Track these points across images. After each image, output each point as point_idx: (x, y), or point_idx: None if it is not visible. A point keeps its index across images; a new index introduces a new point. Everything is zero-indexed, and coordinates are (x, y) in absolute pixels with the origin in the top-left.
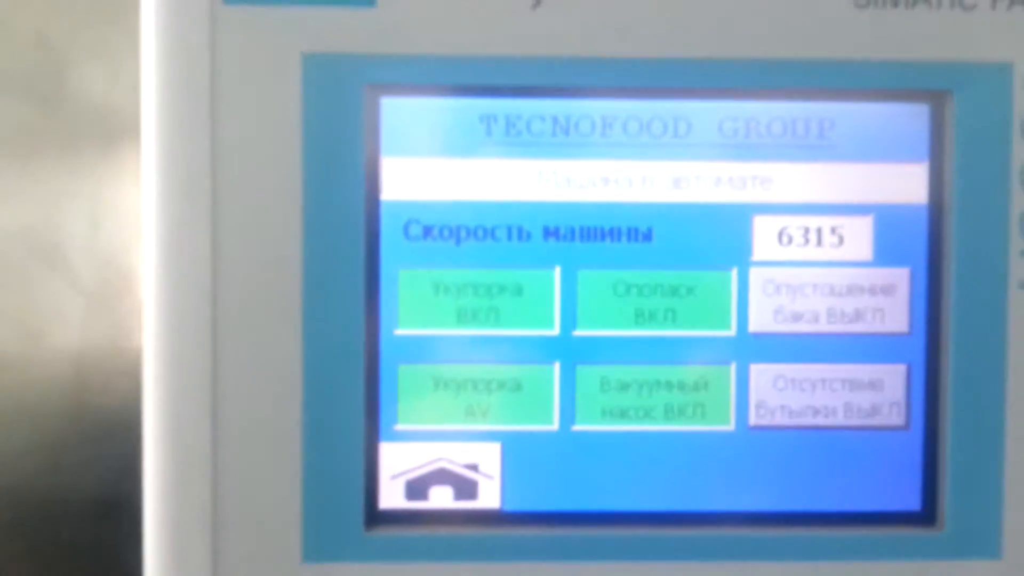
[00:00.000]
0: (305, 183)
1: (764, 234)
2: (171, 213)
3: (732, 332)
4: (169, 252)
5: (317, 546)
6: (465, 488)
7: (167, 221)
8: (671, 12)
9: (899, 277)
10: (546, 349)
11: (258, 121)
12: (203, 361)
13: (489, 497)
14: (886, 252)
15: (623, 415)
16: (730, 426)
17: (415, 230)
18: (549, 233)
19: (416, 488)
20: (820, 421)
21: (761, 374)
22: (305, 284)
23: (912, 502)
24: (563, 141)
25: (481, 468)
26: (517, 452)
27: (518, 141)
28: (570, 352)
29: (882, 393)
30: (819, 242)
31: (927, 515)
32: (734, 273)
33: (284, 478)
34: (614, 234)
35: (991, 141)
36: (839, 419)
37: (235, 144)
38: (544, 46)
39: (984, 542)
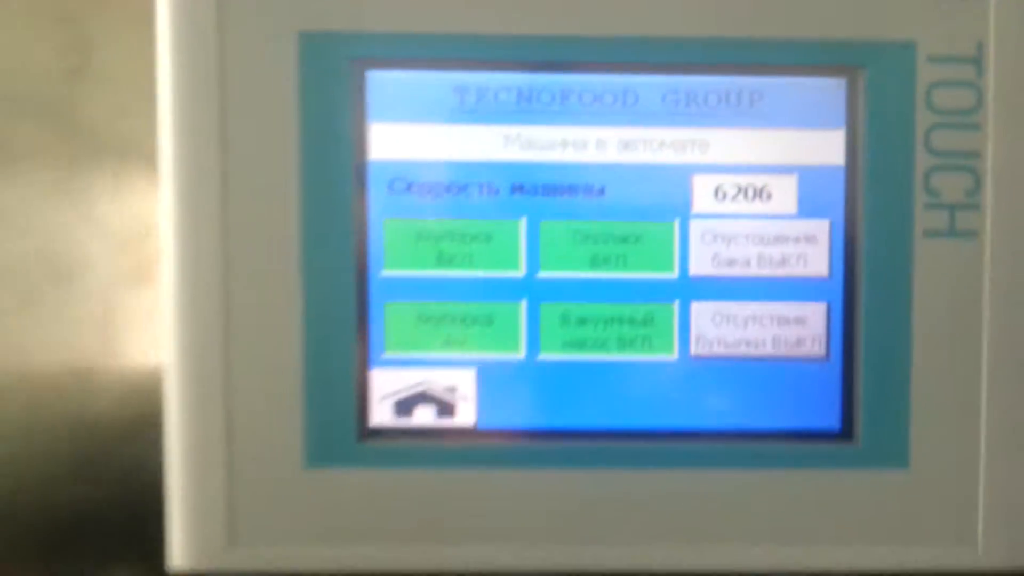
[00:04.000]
0: (302, 146)
1: (702, 191)
2: (184, 173)
3: (675, 275)
4: (184, 205)
5: (316, 455)
6: (445, 407)
7: (181, 180)
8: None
9: (820, 228)
10: (514, 289)
11: (260, 91)
12: (217, 301)
13: (466, 415)
14: (808, 206)
15: (581, 346)
16: (674, 355)
17: (399, 186)
18: (515, 189)
19: (402, 407)
20: (752, 352)
21: (700, 311)
22: (304, 233)
23: (832, 421)
24: (526, 109)
25: (459, 391)
26: (490, 377)
27: (487, 109)
28: (535, 291)
29: (806, 328)
30: (750, 197)
31: (845, 432)
32: (676, 224)
33: (288, 400)
34: (572, 190)
35: (898, 109)
36: (768, 350)
37: (240, 111)
38: (510, 25)
39: (894, 455)
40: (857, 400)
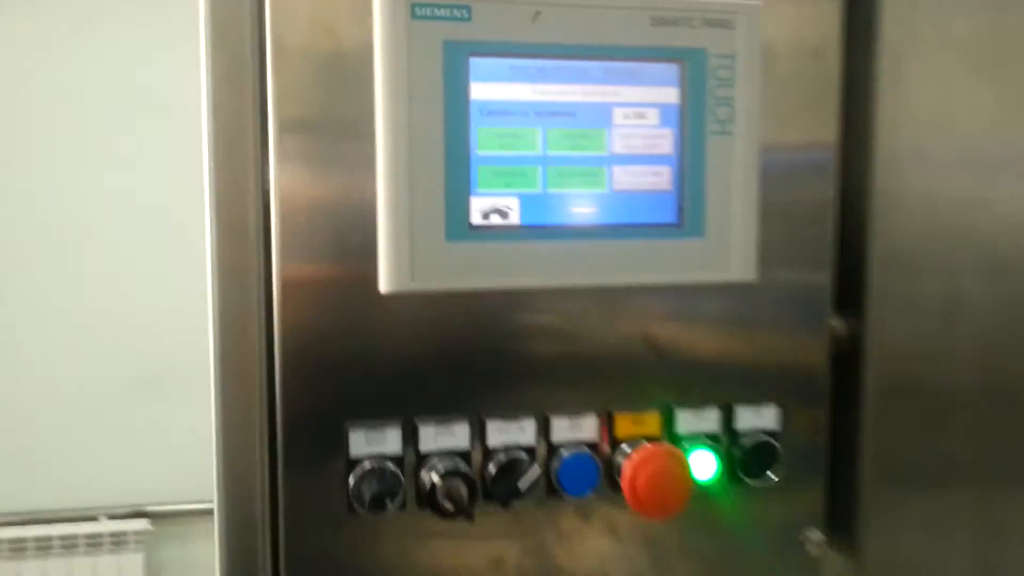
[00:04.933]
0: (444, 93)
1: (618, 115)
2: (390, 104)
3: (606, 153)
4: (392, 118)
5: (450, 234)
6: (504, 215)
7: (388, 105)
8: (582, 26)
9: (667, 132)
10: (535, 160)
11: (425, 69)
12: (405, 168)
13: (514, 219)
14: (665, 122)
15: (566, 185)
16: (605, 190)
17: (484, 112)
18: (537, 113)
19: (485, 215)
20: (639, 187)
21: (618, 171)
22: (446, 135)
23: (673, 218)
24: (542, 77)
25: (511, 207)
26: (525, 201)
27: (524, 76)
28: (545, 161)
29: (662, 177)
30: (638, 118)
31: (679, 223)
32: (606, 130)
33: (438, 210)
34: (562, 114)
35: (700, 78)
36: (647, 187)
37: (418, 78)
38: (536, 36)
39: (699, 231)
40: (685, 209)
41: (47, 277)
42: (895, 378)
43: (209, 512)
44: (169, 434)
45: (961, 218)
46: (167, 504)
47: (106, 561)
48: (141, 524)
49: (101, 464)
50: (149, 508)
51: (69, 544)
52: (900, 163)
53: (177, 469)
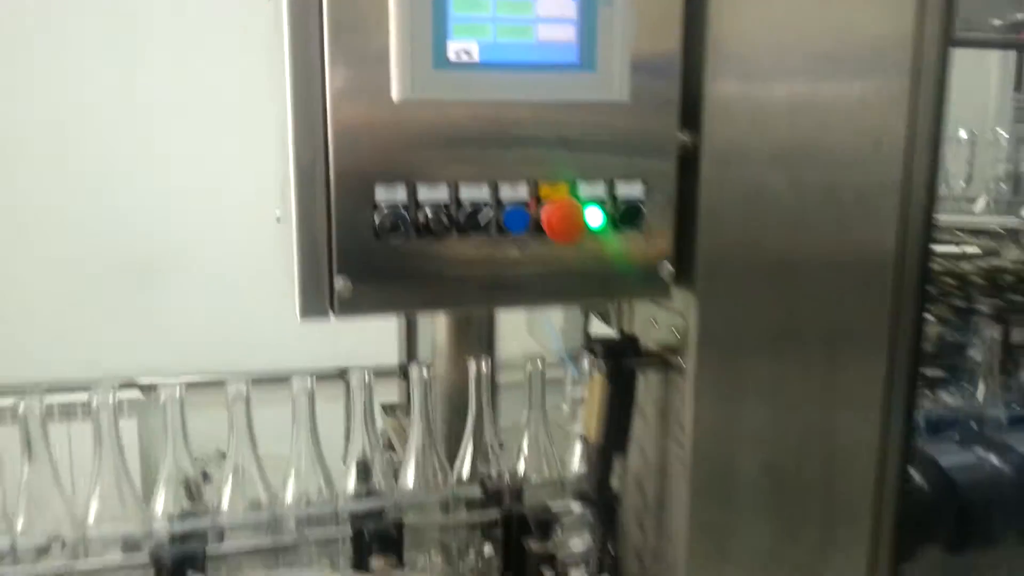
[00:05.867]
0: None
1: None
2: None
3: (533, 16)
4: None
5: (435, 64)
6: (470, 54)
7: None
8: None
9: (572, 3)
10: (488, 20)
11: None
12: (407, 19)
13: (475, 56)
14: (581, 12)
15: (508, 36)
16: (533, 40)
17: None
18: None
19: (457, 54)
20: (555, 38)
21: (541, 27)
22: (433, 23)
23: (576, 59)
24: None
25: (472, 49)
26: (482, 45)
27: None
28: (495, 20)
29: (570, 32)
30: (560, 9)
31: (580, 63)
32: (532, 1)
33: (427, 49)
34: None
35: (611, 9)
36: (560, 38)
37: None
38: None
39: (592, 66)
40: (583, 53)
41: (43, 168)
42: (720, 174)
43: (192, 384)
44: (157, 317)
45: (778, 95)
46: (156, 376)
47: None
48: (133, 394)
49: (97, 342)
50: (140, 381)
51: (68, 412)
52: (727, 62)
53: (165, 347)
